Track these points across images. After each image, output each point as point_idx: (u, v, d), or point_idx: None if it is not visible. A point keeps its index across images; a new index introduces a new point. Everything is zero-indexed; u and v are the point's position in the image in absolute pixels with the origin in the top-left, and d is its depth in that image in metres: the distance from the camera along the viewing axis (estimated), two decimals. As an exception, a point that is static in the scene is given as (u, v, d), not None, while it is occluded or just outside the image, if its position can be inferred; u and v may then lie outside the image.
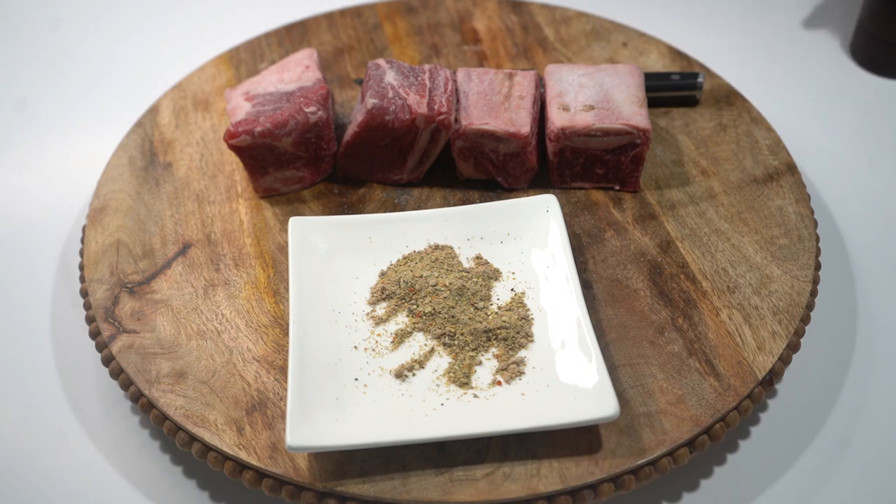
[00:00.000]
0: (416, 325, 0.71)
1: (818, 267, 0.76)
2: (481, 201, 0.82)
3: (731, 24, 1.12)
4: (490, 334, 0.70)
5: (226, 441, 0.66)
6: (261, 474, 0.65)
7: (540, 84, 0.84)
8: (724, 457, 0.71)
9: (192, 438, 0.67)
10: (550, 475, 0.63)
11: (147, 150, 0.88)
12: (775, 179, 0.83)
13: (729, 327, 0.72)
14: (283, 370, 0.69)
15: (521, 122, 0.79)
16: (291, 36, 1.00)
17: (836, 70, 1.04)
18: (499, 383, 0.67)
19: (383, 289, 0.73)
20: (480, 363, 0.69)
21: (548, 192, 0.81)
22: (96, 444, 0.73)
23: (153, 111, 0.92)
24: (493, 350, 0.69)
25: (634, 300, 0.74)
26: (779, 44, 1.09)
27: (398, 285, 0.73)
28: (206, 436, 0.66)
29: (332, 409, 0.65)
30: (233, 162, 0.86)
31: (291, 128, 0.79)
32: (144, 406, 0.69)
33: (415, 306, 0.72)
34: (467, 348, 0.69)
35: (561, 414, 0.63)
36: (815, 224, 0.79)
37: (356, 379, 0.68)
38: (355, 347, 0.70)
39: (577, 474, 0.63)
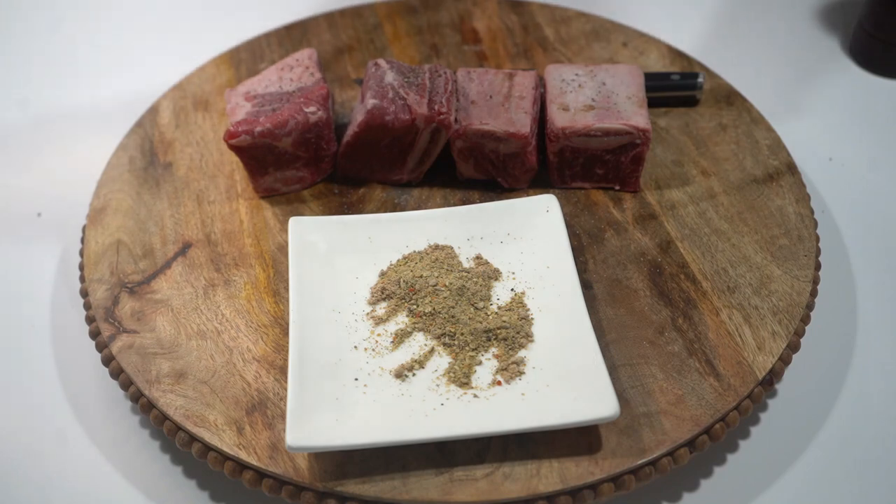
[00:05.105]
0: (416, 325, 0.71)
1: (818, 267, 0.76)
2: (481, 201, 0.82)
3: (731, 24, 1.12)
4: (490, 334, 0.70)
5: (226, 441, 0.66)
6: (261, 474, 0.65)
7: (540, 84, 0.84)
8: (724, 457, 0.71)
9: (192, 438, 0.67)
10: (550, 475, 0.63)
11: (147, 150, 0.88)
12: (775, 179, 0.83)
13: (729, 327, 0.72)
14: (283, 370, 0.69)
15: (521, 122, 0.79)
16: (291, 36, 1.00)
17: (836, 70, 1.04)
18: (499, 383, 0.67)
19: (383, 289, 0.73)
20: (480, 363, 0.69)
21: (548, 192, 0.81)
22: (96, 444, 0.73)
23: (153, 111, 0.92)
24: (493, 350, 0.69)
25: (634, 300, 0.74)
26: (778, 44, 1.09)
27: (398, 285, 0.73)
28: (206, 436, 0.66)
29: (332, 409, 0.65)
30: (233, 162, 0.86)
31: (291, 128, 0.79)
32: (144, 406, 0.69)
33: (415, 306, 0.72)
34: (467, 348, 0.69)
35: (561, 414, 0.63)
36: (815, 224, 0.79)
37: (356, 379, 0.68)
38: (355, 347, 0.70)
39: (577, 474, 0.63)
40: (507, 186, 0.83)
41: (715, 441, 0.66)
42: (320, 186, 0.84)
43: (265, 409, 0.67)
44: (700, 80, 0.89)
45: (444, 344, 0.70)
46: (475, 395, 0.66)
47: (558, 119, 0.80)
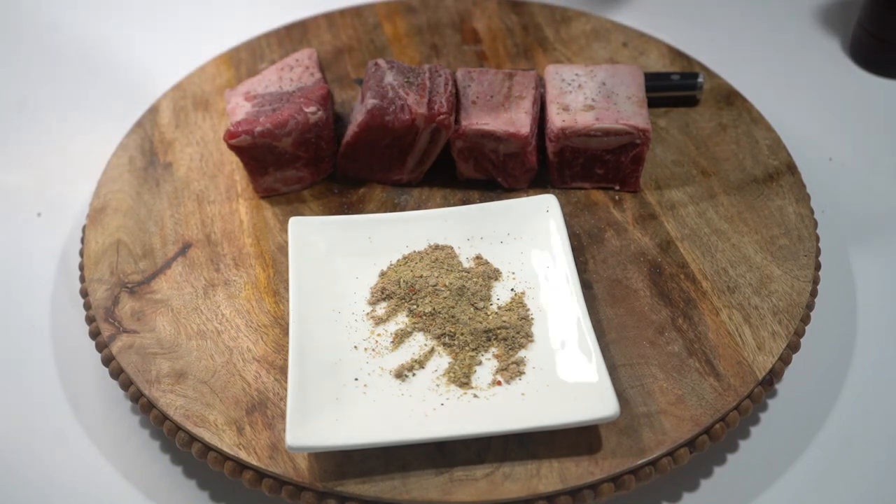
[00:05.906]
0: (416, 325, 0.71)
1: (818, 267, 0.76)
2: (481, 201, 0.82)
3: (731, 24, 1.12)
4: (490, 334, 0.70)
5: (226, 441, 0.66)
6: (261, 474, 0.65)
7: (540, 84, 0.84)
8: (724, 457, 0.71)
9: (192, 438, 0.67)
10: (550, 475, 0.63)
11: (147, 150, 0.88)
12: (775, 179, 0.83)
13: (729, 327, 0.72)
14: (283, 370, 0.69)
15: (521, 122, 0.79)
16: (291, 36, 1.00)
17: (836, 70, 1.04)
18: (499, 383, 0.67)
19: (383, 289, 0.73)
20: (480, 363, 0.69)
21: (548, 192, 0.81)
22: (96, 444, 0.73)
23: (153, 111, 0.92)
24: (493, 350, 0.69)
25: (634, 300, 0.74)
26: (779, 44, 1.09)
27: (398, 285, 0.73)
28: (206, 436, 0.66)
29: (332, 409, 0.65)
30: (233, 162, 0.86)
31: (291, 128, 0.79)
32: (144, 406, 0.69)
33: (415, 306, 0.72)
34: (467, 348, 0.69)
35: (561, 414, 0.63)
36: (815, 224, 0.79)
37: (356, 379, 0.68)
38: (355, 347, 0.70)
39: (577, 474, 0.63)
40: (507, 186, 0.83)
41: (715, 441, 0.66)
42: (320, 186, 0.84)
43: (265, 409, 0.67)
44: (700, 80, 0.89)
45: (444, 344, 0.70)
46: (475, 395, 0.66)
47: (558, 119, 0.79)
